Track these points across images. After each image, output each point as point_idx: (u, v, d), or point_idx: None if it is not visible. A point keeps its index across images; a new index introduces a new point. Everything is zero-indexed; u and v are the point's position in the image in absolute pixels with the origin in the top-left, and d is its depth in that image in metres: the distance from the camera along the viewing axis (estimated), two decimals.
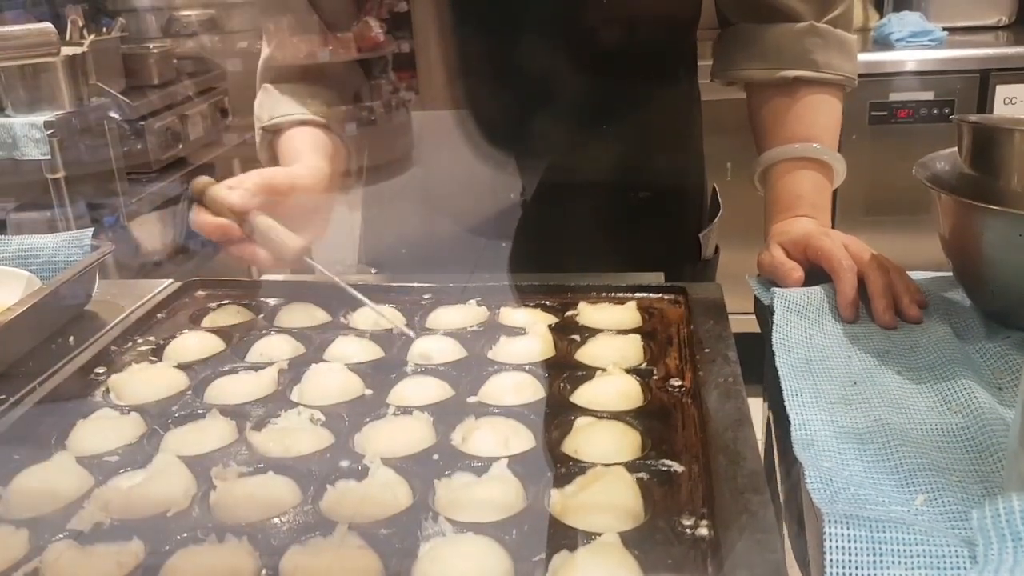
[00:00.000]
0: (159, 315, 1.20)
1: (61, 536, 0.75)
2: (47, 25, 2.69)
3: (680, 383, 0.95)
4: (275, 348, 1.07)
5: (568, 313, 1.13)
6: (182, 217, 3.22)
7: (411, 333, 1.08)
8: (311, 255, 1.13)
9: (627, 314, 1.12)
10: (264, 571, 0.71)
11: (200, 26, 3.43)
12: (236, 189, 1.13)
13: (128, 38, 3.21)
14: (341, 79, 1.44)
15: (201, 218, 1.14)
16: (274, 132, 1.35)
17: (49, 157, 2.62)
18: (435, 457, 0.83)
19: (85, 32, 2.99)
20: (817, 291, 1.12)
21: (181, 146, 3.18)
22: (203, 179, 1.15)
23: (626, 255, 1.27)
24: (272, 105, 1.36)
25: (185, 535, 0.74)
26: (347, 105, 1.42)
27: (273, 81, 1.39)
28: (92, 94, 2.83)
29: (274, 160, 1.34)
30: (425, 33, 1.37)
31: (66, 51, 2.75)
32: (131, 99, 2.93)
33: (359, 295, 1.13)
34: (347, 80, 1.45)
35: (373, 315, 1.14)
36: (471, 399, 0.94)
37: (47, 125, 2.59)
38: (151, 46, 3.24)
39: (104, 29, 3.14)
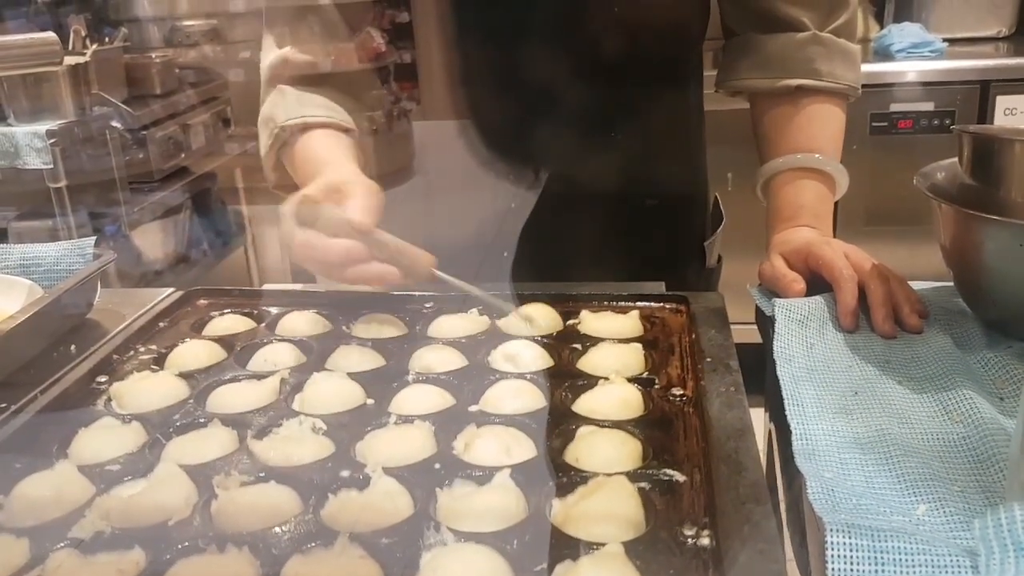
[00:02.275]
0: (161, 324, 1.20)
1: (62, 545, 0.75)
2: (50, 35, 2.70)
3: (682, 392, 0.95)
4: (277, 357, 1.07)
5: (570, 322, 1.13)
6: (184, 226, 3.22)
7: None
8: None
9: (629, 323, 1.12)
10: None
11: (202, 36, 3.43)
12: (354, 208, 1.06)
13: (131, 48, 3.21)
14: (359, 87, 1.41)
15: (319, 241, 1.05)
16: (292, 133, 1.30)
17: (51, 166, 2.63)
18: (436, 466, 0.83)
19: (88, 42, 2.99)
20: (818, 301, 1.12)
21: (183, 155, 3.19)
22: (311, 196, 1.08)
23: (629, 264, 1.27)
24: (291, 105, 1.32)
25: (186, 544, 0.74)
26: (365, 113, 1.40)
27: (289, 83, 1.35)
28: (94, 103, 2.84)
29: (289, 163, 1.31)
30: (427, 43, 1.37)
31: (69, 60, 2.76)
32: (133, 108, 2.94)
33: (495, 300, 1.12)
34: (364, 88, 1.43)
35: (375, 324, 1.14)
36: (472, 408, 0.94)
37: (49, 134, 2.60)
38: (153, 56, 3.25)
39: (107, 39, 3.15)
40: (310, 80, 1.35)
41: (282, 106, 1.32)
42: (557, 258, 1.32)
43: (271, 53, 1.38)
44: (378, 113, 1.46)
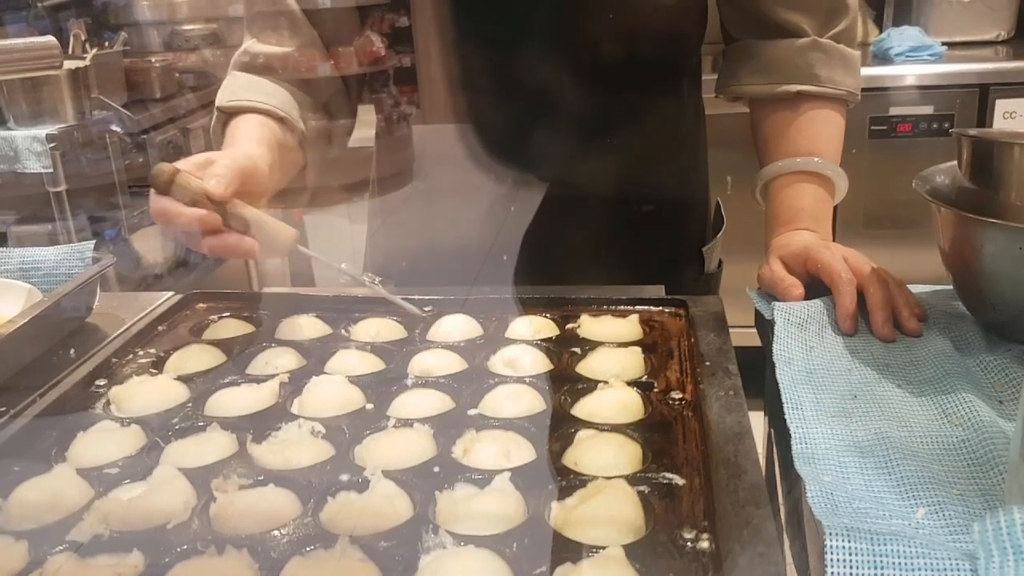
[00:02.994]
0: (160, 327, 1.20)
1: (61, 548, 0.75)
2: (50, 39, 2.70)
3: (681, 396, 0.95)
4: (276, 360, 1.07)
5: (569, 325, 1.13)
6: None
7: (417, 311, 1.09)
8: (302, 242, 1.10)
9: (628, 327, 1.12)
10: None
11: (202, 40, 3.44)
12: (213, 177, 1.06)
13: (130, 52, 3.22)
14: (314, 85, 1.41)
15: (174, 208, 1.04)
16: (229, 115, 1.33)
17: (51, 170, 2.63)
18: (436, 469, 0.83)
19: (88, 46, 3.00)
20: (817, 304, 1.12)
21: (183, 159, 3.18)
22: (167, 166, 1.06)
23: (629, 268, 1.27)
24: (234, 88, 1.34)
25: (185, 547, 0.74)
26: (319, 110, 1.41)
27: (243, 70, 1.38)
28: (94, 107, 2.84)
29: (220, 138, 1.33)
30: (427, 47, 1.37)
31: (69, 64, 2.76)
32: (133, 112, 2.94)
33: (357, 275, 1.12)
34: (320, 88, 1.42)
35: (375, 328, 1.14)
36: (472, 411, 0.94)
37: (49, 138, 2.60)
38: (153, 60, 3.25)
39: (107, 43, 3.15)
40: (269, 71, 1.37)
41: (228, 89, 1.35)
42: (557, 262, 1.32)
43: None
44: (378, 117, 1.45)
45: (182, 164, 1.08)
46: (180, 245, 3.21)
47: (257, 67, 1.36)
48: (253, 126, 1.29)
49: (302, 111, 1.35)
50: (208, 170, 1.07)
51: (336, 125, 1.43)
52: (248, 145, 1.22)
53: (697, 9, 1.35)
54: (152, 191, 1.06)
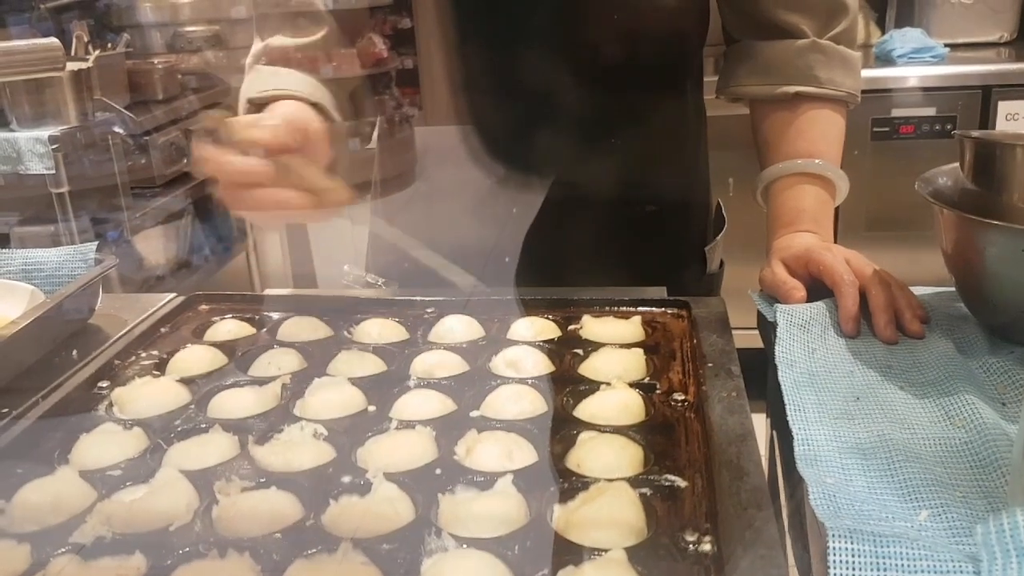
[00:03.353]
0: (162, 329, 1.20)
1: (63, 550, 0.75)
2: (53, 40, 2.71)
3: (683, 397, 0.95)
4: (278, 362, 1.07)
5: (571, 327, 1.13)
6: (185, 232, 3.22)
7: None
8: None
9: (630, 328, 1.12)
10: None
11: (205, 42, 3.44)
12: (263, 125, 0.96)
13: (133, 53, 3.22)
14: (338, 79, 1.33)
15: (221, 156, 0.93)
16: (259, 106, 1.22)
17: (53, 171, 2.63)
18: (438, 472, 0.83)
19: (90, 47, 3.00)
20: (819, 306, 1.12)
21: (185, 161, 3.19)
22: (216, 113, 0.96)
23: (631, 269, 1.27)
24: (260, 80, 1.25)
25: (187, 549, 0.74)
26: (344, 107, 1.32)
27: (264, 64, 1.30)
28: (97, 109, 2.84)
29: None
30: (429, 49, 1.37)
31: (71, 66, 2.76)
32: (135, 114, 2.94)
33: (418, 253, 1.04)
34: (344, 83, 1.34)
35: (377, 328, 1.14)
36: (474, 413, 0.94)
37: (52, 139, 2.60)
38: (156, 61, 3.25)
39: (109, 44, 3.15)
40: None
41: (255, 81, 1.26)
42: (559, 263, 1.32)
43: (256, 45, 1.34)
44: (380, 118, 1.44)
45: (249, 118, 1.01)
46: (182, 247, 3.21)
47: (280, 61, 1.29)
48: (291, 108, 1.18)
49: (332, 102, 1.27)
50: (259, 120, 0.99)
51: (361, 123, 1.40)
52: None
53: (698, 11, 1.35)
54: (195, 142, 0.97)
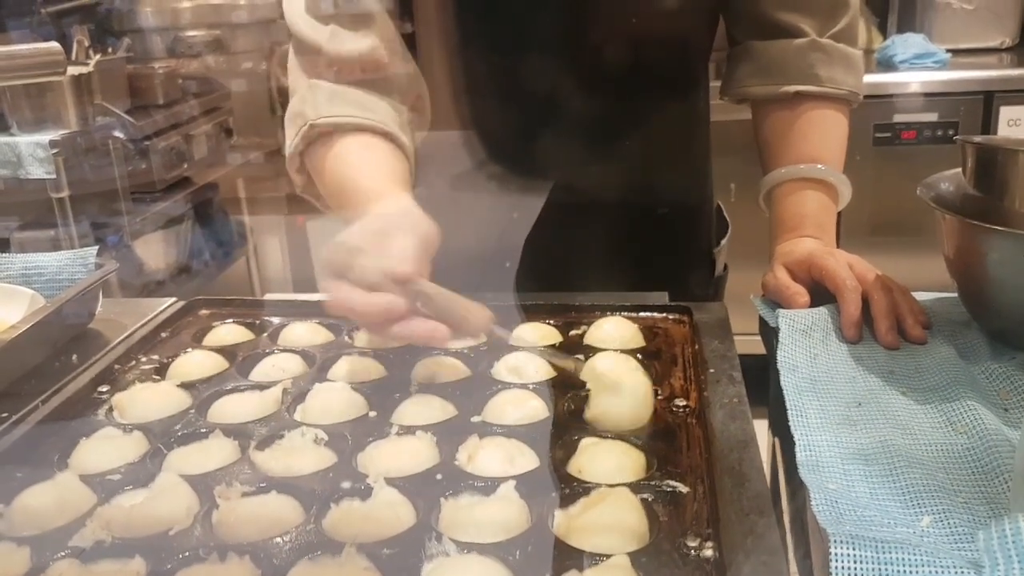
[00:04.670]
0: (162, 334, 1.20)
1: (63, 554, 0.75)
2: (54, 45, 2.71)
3: (685, 403, 0.95)
4: (278, 367, 1.07)
5: (572, 332, 1.13)
6: (186, 236, 3.22)
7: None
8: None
9: (632, 333, 1.11)
10: None
11: (205, 47, 3.44)
12: (393, 254, 0.92)
13: (134, 58, 3.22)
14: (401, 87, 1.26)
15: (354, 296, 0.90)
16: (323, 134, 1.19)
17: (54, 176, 2.63)
18: (438, 477, 0.83)
19: (91, 52, 3.00)
20: (822, 311, 1.12)
21: (185, 166, 3.19)
22: (343, 247, 0.92)
23: (634, 274, 1.27)
24: (321, 102, 1.19)
25: (187, 554, 0.74)
26: (408, 115, 1.27)
27: (319, 76, 1.22)
28: (97, 114, 2.85)
29: (316, 171, 1.21)
30: (430, 54, 1.37)
31: (72, 71, 2.76)
32: (136, 119, 2.94)
33: (560, 358, 1.00)
34: (408, 89, 1.28)
35: None
36: (475, 418, 0.94)
37: (52, 144, 2.60)
38: (156, 66, 3.25)
39: (110, 49, 3.15)
40: (353, 79, 1.22)
41: (312, 103, 1.19)
42: (561, 269, 1.32)
43: (298, 15, 1.22)
44: (418, 116, 1.34)
45: (348, 237, 0.95)
46: (183, 251, 3.21)
47: (335, 72, 1.21)
48: (370, 159, 1.16)
49: (398, 119, 1.22)
50: (386, 244, 0.94)
51: (420, 123, 1.33)
52: (388, 194, 1.09)
53: (706, 17, 1.35)
54: (324, 275, 0.93)
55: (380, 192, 1.10)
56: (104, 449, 0.91)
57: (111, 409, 1.00)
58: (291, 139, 1.21)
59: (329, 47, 1.20)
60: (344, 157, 1.17)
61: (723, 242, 1.49)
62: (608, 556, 0.71)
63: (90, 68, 2.85)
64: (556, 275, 1.29)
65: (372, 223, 1.00)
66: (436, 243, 0.99)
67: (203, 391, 1.02)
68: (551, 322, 1.15)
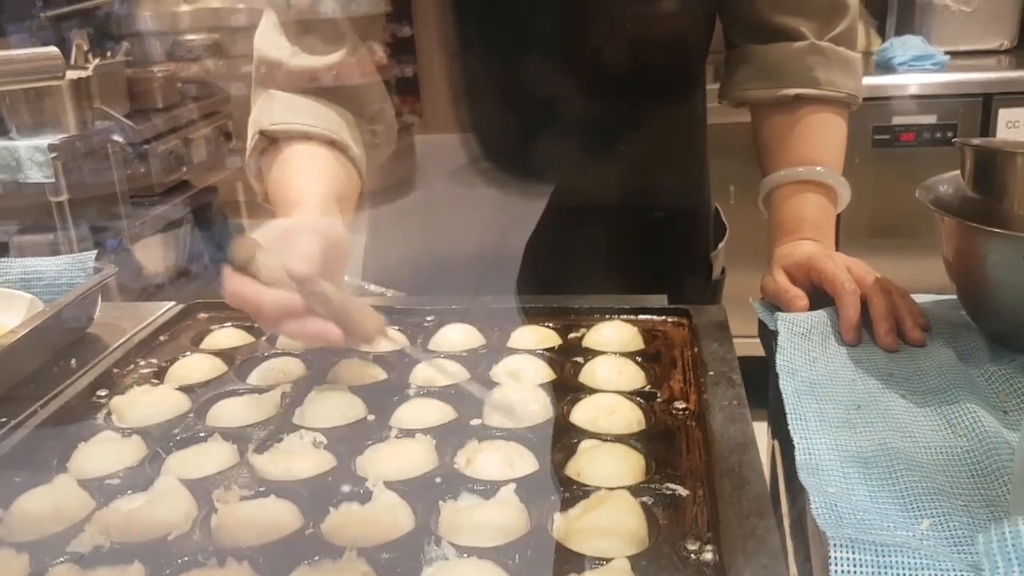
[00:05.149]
0: (161, 338, 1.20)
1: (62, 559, 0.74)
2: (52, 49, 2.70)
3: (684, 406, 0.95)
4: (277, 370, 1.07)
5: (571, 335, 1.13)
6: (184, 240, 3.22)
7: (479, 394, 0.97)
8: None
9: (631, 336, 1.11)
10: None
11: (204, 50, 3.44)
12: (294, 253, 0.94)
13: (133, 62, 3.22)
14: (362, 99, 1.30)
15: (251, 290, 0.93)
16: (272, 141, 1.23)
17: (53, 180, 2.63)
18: (437, 480, 0.83)
19: (90, 56, 3.00)
20: (821, 314, 1.11)
21: (184, 169, 3.19)
22: (248, 242, 0.94)
23: (632, 277, 1.27)
24: (276, 110, 1.23)
25: (186, 558, 0.74)
26: (365, 125, 1.30)
27: (278, 88, 1.26)
28: (96, 117, 2.85)
29: (264, 176, 1.23)
30: (429, 57, 1.37)
31: (71, 75, 2.76)
32: (135, 122, 2.94)
33: (468, 386, 0.99)
34: (369, 102, 1.31)
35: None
36: (474, 422, 0.94)
37: (51, 148, 2.60)
38: (155, 70, 3.25)
39: (109, 53, 3.15)
40: (309, 89, 1.26)
41: (267, 111, 1.23)
42: (559, 271, 1.32)
43: (267, 41, 1.27)
44: (380, 127, 1.41)
45: (259, 235, 0.97)
46: (181, 255, 3.21)
47: (294, 82, 1.25)
48: (309, 166, 1.19)
49: (352, 130, 1.25)
50: (289, 244, 0.96)
51: (386, 136, 1.36)
52: (320, 200, 1.12)
53: (704, 20, 1.35)
54: (227, 268, 0.96)
55: (306, 199, 1.12)
56: (103, 453, 0.90)
57: (110, 413, 0.99)
58: (248, 147, 1.24)
59: (291, 62, 1.24)
60: (285, 164, 1.20)
61: (720, 245, 1.49)
62: (608, 560, 0.71)
63: (89, 72, 2.85)
64: (552, 278, 1.29)
65: (283, 223, 1.03)
66: (345, 252, 1.02)
67: (202, 395, 1.02)
68: (550, 325, 1.15)
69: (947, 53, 3.20)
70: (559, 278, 1.29)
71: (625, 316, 1.17)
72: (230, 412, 0.98)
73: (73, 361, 1.14)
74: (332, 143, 1.22)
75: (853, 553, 0.68)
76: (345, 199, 1.19)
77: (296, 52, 1.25)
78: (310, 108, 1.23)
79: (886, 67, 3.17)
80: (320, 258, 0.95)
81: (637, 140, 1.35)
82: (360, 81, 1.29)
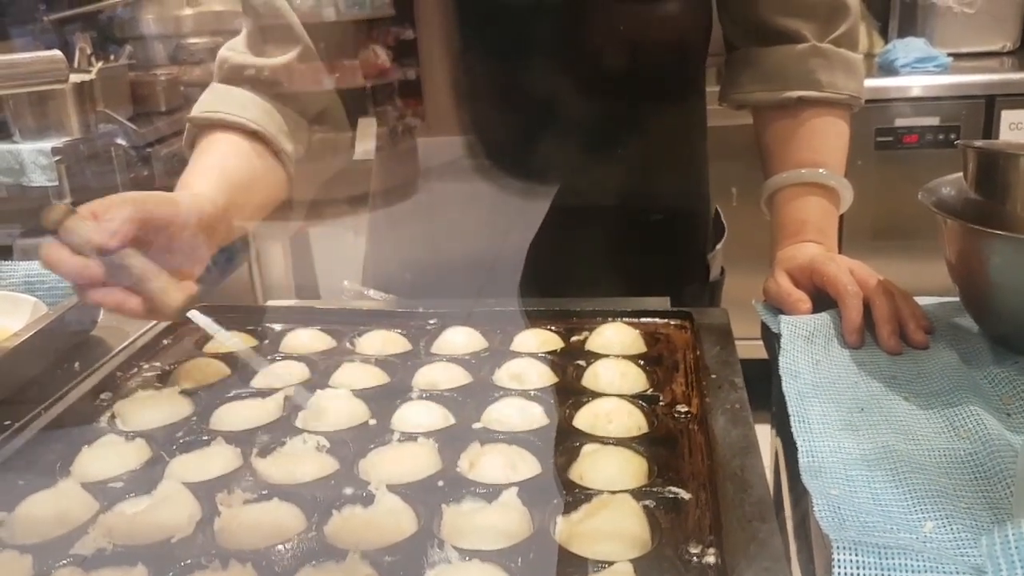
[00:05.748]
0: (164, 341, 1.20)
1: (65, 562, 0.75)
2: (56, 53, 2.70)
3: (687, 409, 0.95)
4: (280, 374, 1.07)
5: (574, 338, 1.13)
6: None
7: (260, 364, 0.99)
8: (196, 305, 1.01)
9: (633, 339, 1.11)
10: None
11: (207, 54, 3.44)
12: (103, 223, 0.95)
13: (136, 65, 3.22)
14: (303, 98, 1.34)
15: (56, 254, 0.94)
16: (200, 128, 1.27)
17: (56, 183, 2.63)
18: (440, 483, 0.83)
19: (93, 59, 3.00)
20: (824, 317, 1.11)
21: None
22: (60, 207, 0.95)
23: (632, 279, 1.27)
24: (208, 100, 1.29)
25: (189, 561, 0.74)
26: (308, 126, 1.35)
27: (224, 82, 1.32)
28: (100, 121, 2.85)
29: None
30: (431, 60, 1.37)
31: (74, 78, 2.76)
32: (138, 126, 2.94)
33: (252, 360, 1.03)
34: (310, 101, 1.35)
35: (379, 341, 1.14)
36: (476, 425, 0.94)
37: (55, 151, 2.60)
38: (159, 73, 3.25)
39: (112, 56, 3.16)
40: (255, 85, 1.31)
41: (203, 101, 1.30)
42: (560, 273, 1.32)
43: (232, 42, 1.35)
44: (326, 127, 1.41)
45: (92, 205, 0.98)
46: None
47: (240, 80, 1.31)
48: (220, 153, 1.23)
49: (289, 127, 1.30)
50: (101, 213, 0.97)
51: (333, 139, 1.40)
52: (205, 181, 1.16)
53: (702, 21, 1.35)
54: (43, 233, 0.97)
55: (191, 181, 1.18)
56: (106, 456, 0.91)
57: (113, 416, 1.00)
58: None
59: (234, 59, 1.32)
60: (199, 149, 1.25)
61: (717, 247, 1.48)
62: (610, 563, 0.71)
63: (92, 75, 2.85)
64: (557, 280, 1.29)
65: (119, 195, 1.02)
66: (182, 226, 1.03)
67: (205, 398, 1.02)
68: (552, 328, 1.15)
69: (950, 55, 3.20)
70: (559, 278, 1.29)
71: (627, 319, 1.17)
72: (233, 416, 0.98)
73: (76, 364, 1.15)
74: (254, 134, 1.26)
75: (856, 555, 0.68)
76: (246, 187, 1.22)
77: (244, 52, 1.31)
78: (242, 101, 1.28)
79: (889, 69, 3.17)
80: (130, 228, 0.96)
81: (636, 142, 1.35)
82: (305, 84, 1.32)
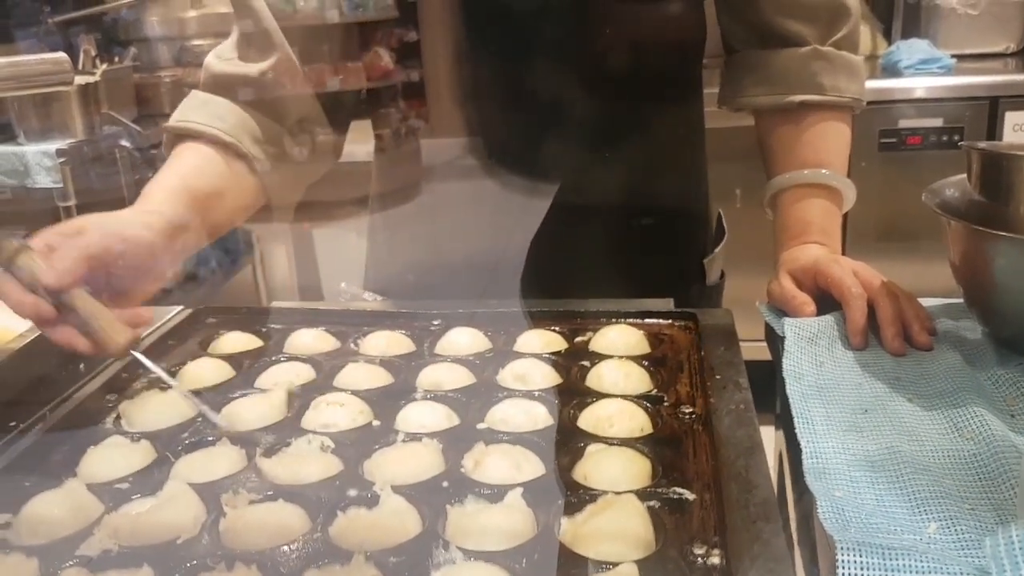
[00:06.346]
0: (169, 342, 1.20)
1: (71, 563, 0.75)
2: (61, 55, 2.72)
3: (691, 410, 0.95)
4: (285, 375, 1.07)
5: (578, 339, 1.13)
6: None
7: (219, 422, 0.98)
8: (139, 346, 1.01)
9: (637, 340, 1.11)
10: None
11: None
12: (54, 260, 0.96)
13: (140, 67, 3.23)
14: (280, 108, 1.32)
15: (8, 291, 0.95)
16: (176, 136, 1.27)
17: (61, 185, 2.63)
18: (445, 484, 0.83)
19: (98, 61, 3.01)
20: (828, 319, 1.12)
21: None
22: (11, 244, 0.96)
23: (633, 280, 1.27)
24: (187, 108, 1.28)
25: (194, 562, 0.74)
26: (287, 132, 1.33)
27: (204, 88, 1.32)
28: (104, 123, 2.85)
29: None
30: (435, 62, 1.37)
31: (79, 80, 2.77)
32: (142, 127, 2.95)
33: (197, 401, 1.00)
34: (287, 110, 1.33)
35: (384, 342, 1.14)
36: (480, 426, 0.94)
37: (59, 153, 2.61)
38: (163, 75, 3.26)
39: (116, 58, 3.17)
40: (234, 93, 1.31)
41: (180, 108, 1.30)
42: (563, 275, 1.32)
43: (217, 49, 1.35)
44: (305, 137, 1.41)
45: (48, 236, 1.01)
46: (189, 259, 3.21)
47: (217, 87, 1.30)
48: (186, 166, 1.23)
49: (265, 135, 1.29)
50: (54, 253, 0.98)
51: (329, 142, 1.39)
52: (167, 195, 1.16)
53: (696, 22, 1.35)
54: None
55: (152, 193, 1.16)
56: (111, 457, 0.91)
57: (118, 417, 1.00)
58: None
59: (214, 66, 1.31)
60: (169, 161, 1.25)
61: (716, 250, 1.48)
62: (615, 564, 0.71)
63: (97, 77, 2.86)
64: (558, 281, 1.29)
65: (72, 222, 1.04)
66: (144, 251, 1.05)
67: (210, 399, 1.02)
68: (556, 329, 1.15)
69: (953, 56, 3.20)
70: (559, 278, 1.29)
71: (631, 320, 1.17)
72: (238, 416, 0.98)
73: (82, 365, 1.15)
74: (226, 146, 1.25)
75: (860, 556, 0.68)
76: (213, 196, 1.22)
77: (225, 60, 1.31)
78: (219, 110, 1.27)
79: (892, 71, 3.17)
80: (80, 267, 0.97)
81: (638, 144, 1.35)
82: (282, 90, 1.32)
